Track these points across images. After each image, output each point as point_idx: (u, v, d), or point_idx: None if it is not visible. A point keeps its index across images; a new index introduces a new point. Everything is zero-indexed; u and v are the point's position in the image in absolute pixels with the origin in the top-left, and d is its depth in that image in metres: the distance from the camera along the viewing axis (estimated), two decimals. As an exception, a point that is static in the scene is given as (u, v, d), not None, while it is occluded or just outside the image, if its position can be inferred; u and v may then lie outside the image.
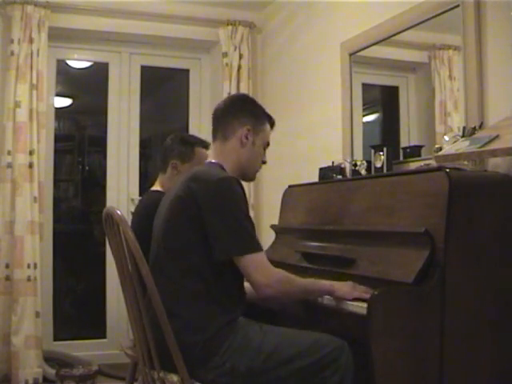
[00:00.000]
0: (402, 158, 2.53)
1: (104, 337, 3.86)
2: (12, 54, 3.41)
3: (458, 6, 2.19)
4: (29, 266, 3.34)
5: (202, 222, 1.67)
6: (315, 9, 3.36)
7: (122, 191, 3.92)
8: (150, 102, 4.22)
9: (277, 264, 1.80)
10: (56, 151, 3.82)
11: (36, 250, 3.39)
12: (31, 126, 3.42)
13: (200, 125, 4.10)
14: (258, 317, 1.78)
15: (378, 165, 2.48)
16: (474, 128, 2.01)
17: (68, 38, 3.82)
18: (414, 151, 2.47)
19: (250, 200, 3.72)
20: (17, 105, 3.39)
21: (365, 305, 1.57)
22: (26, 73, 3.41)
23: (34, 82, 3.43)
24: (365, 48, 2.82)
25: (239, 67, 3.86)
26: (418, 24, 2.43)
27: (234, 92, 3.81)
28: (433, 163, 2.07)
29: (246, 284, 1.73)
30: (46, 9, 3.48)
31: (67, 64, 4.00)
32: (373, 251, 1.88)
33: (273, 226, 2.70)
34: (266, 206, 3.92)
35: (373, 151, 2.54)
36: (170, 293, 1.65)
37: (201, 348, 1.60)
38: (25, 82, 3.41)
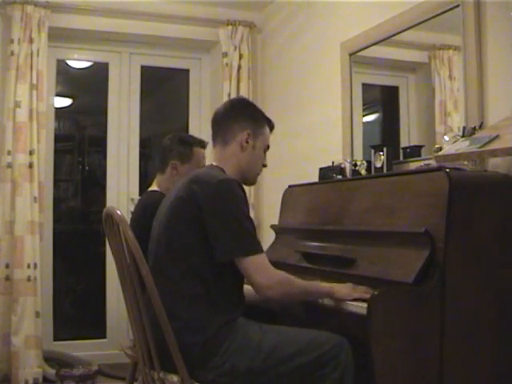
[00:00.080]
0: (402, 158, 2.53)
1: (104, 337, 3.86)
2: (12, 53, 3.41)
3: (458, 5, 2.20)
4: (29, 266, 3.34)
5: (202, 223, 1.66)
6: (315, 9, 3.36)
7: (121, 191, 3.92)
8: (149, 102, 4.22)
9: (277, 264, 1.80)
10: (56, 151, 3.82)
11: (36, 250, 3.39)
12: (31, 126, 3.42)
13: (200, 125, 4.10)
14: (258, 317, 1.78)
15: (378, 165, 2.48)
16: (474, 128, 2.01)
17: (68, 37, 3.82)
18: (414, 151, 2.47)
19: (250, 200, 3.72)
20: (17, 105, 3.39)
21: (365, 305, 1.57)
22: (25, 73, 3.41)
23: (34, 81, 3.43)
24: (365, 48, 2.82)
25: (239, 67, 3.86)
26: (417, 24, 2.43)
27: (234, 92, 3.82)
28: (433, 163, 2.07)
29: (247, 286, 1.73)
30: (46, 9, 3.48)
31: (67, 64, 4.00)
32: (373, 251, 1.88)
33: (273, 226, 2.70)
34: (266, 206, 3.92)
35: (373, 151, 2.54)
36: (169, 293, 1.65)
37: (200, 348, 1.61)
38: (25, 82, 3.41)
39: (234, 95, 3.77)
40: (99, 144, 4.05)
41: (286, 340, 1.66)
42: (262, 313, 1.96)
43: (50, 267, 3.71)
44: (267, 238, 2.83)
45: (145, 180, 3.97)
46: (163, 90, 4.55)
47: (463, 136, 2.01)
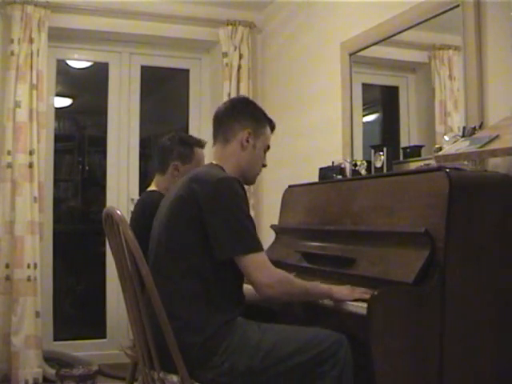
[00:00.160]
0: (402, 158, 2.53)
1: (104, 337, 3.86)
2: (12, 53, 3.41)
3: (458, 5, 2.19)
4: (29, 266, 3.34)
5: (202, 222, 1.66)
6: (315, 9, 3.36)
7: (121, 191, 3.92)
8: (150, 102, 4.22)
9: (277, 264, 1.80)
10: (56, 151, 3.82)
11: (36, 250, 3.39)
12: (31, 126, 3.42)
13: (200, 125, 4.11)
14: (257, 317, 1.78)
15: (378, 165, 2.48)
16: (474, 128, 2.01)
17: (68, 37, 3.82)
18: (414, 151, 2.47)
19: (250, 200, 3.71)
20: (17, 105, 3.40)
21: (365, 305, 1.57)
22: (26, 73, 3.41)
23: (34, 81, 3.43)
24: (365, 48, 2.82)
25: (239, 67, 3.86)
26: (417, 24, 2.43)
27: (234, 92, 3.82)
28: (433, 163, 2.07)
29: (247, 286, 1.73)
30: (46, 9, 3.48)
31: (67, 64, 4.00)
32: (373, 251, 1.88)
33: (273, 226, 2.70)
34: (266, 206, 3.92)
35: (373, 151, 2.54)
36: (169, 293, 1.65)
37: (200, 348, 1.60)
38: (25, 82, 3.41)
39: (234, 95, 3.77)
40: (99, 144, 4.05)
41: (285, 339, 1.66)
42: (261, 312, 1.96)
43: (49, 267, 3.71)
44: (267, 238, 2.83)
45: (145, 180, 3.97)
46: (163, 90, 4.55)
47: (463, 136, 2.01)
